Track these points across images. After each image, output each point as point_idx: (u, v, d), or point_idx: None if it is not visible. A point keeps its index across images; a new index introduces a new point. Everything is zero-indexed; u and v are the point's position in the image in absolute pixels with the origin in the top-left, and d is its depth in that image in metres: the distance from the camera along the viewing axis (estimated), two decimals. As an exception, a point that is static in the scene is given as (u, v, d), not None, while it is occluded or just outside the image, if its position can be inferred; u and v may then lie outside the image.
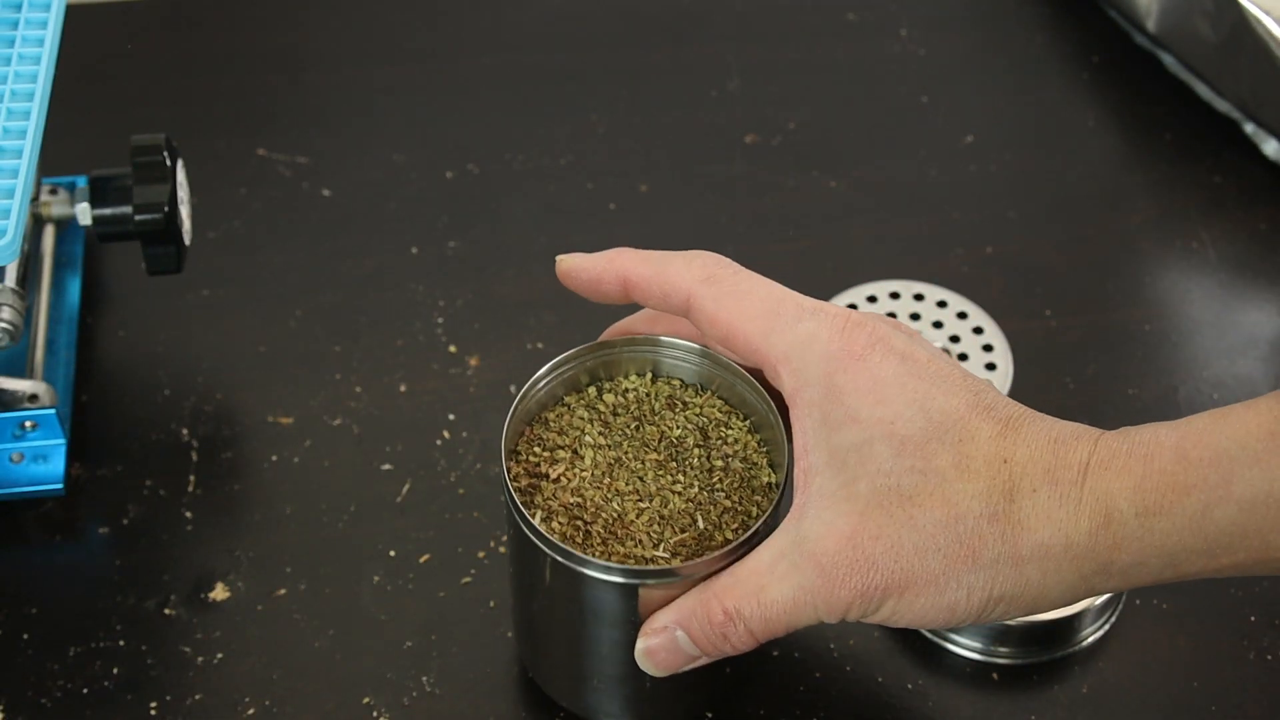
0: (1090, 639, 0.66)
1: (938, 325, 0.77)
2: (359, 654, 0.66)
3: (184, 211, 0.71)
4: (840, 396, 0.53)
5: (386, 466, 0.72)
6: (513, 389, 0.74)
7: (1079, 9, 0.92)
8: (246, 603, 0.67)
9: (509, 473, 0.57)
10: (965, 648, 0.65)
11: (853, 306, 0.77)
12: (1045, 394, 0.74)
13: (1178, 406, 0.74)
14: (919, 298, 0.78)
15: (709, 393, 0.60)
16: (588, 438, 0.59)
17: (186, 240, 0.71)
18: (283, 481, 0.71)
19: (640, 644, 0.56)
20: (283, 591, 0.67)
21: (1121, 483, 0.51)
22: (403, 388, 0.74)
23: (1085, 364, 0.76)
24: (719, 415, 0.60)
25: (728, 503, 0.57)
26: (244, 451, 0.72)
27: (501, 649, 0.65)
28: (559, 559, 0.55)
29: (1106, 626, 0.66)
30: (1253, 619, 0.67)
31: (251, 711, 0.64)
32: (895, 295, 0.78)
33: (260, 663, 0.65)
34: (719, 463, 0.58)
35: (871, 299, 0.78)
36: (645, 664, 0.56)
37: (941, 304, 0.77)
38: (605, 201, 0.83)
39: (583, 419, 0.59)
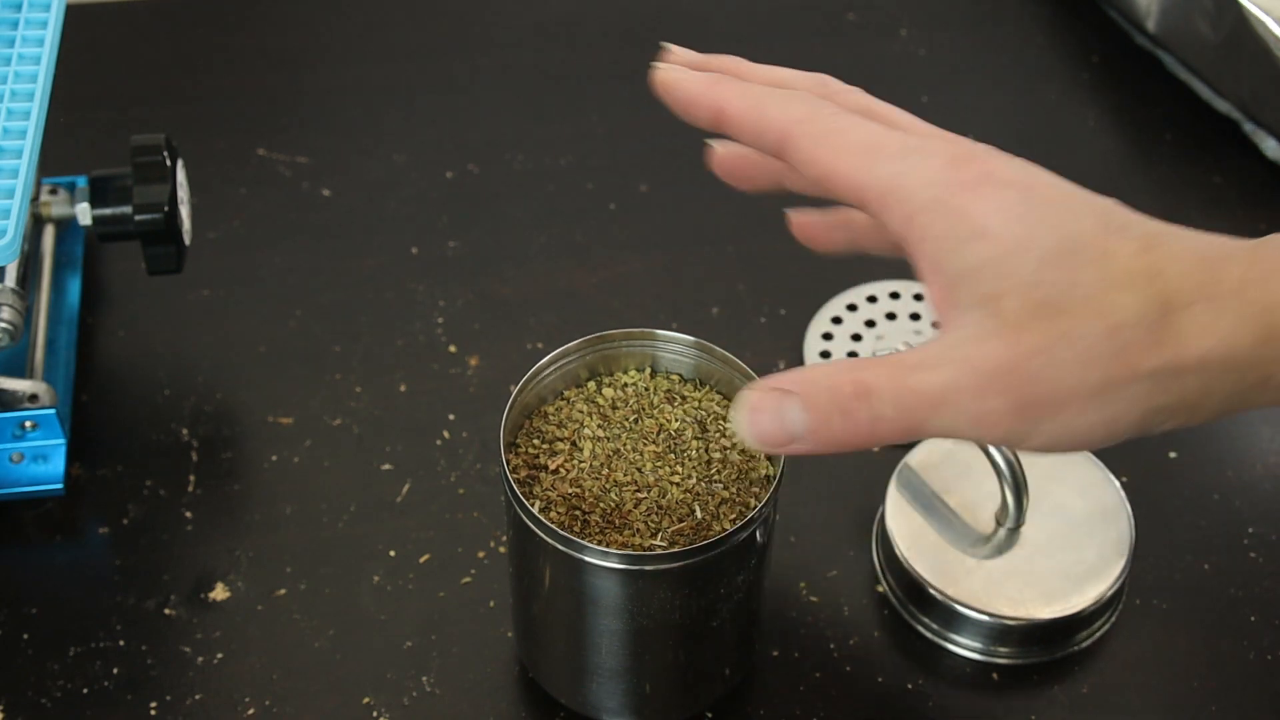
0: (1090, 639, 0.66)
1: (938, 326, 0.76)
2: (359, 654, 0.66)
3: (184, 211, 0.71)
4: (963, 215, 0.51)
5: (386, 466, 0.72)
6: (513, 389, 0.74)
7: (1079, 9, 0.92)
8: (246, 603, 0.67)
9: (508, 464, 0.57)
10: (965, 648, 0.65)
11: (852, 308, 0.77)
12: (1045, 394, 0.74)
13: (1178, 406, 0.74)
14: (918, 298, 0.78)
15: (707, 388, 0.61)
16: (586, 430, 0.59)
17: (186, 240, 0.71)
18: (283, 481, 0.71)
19: (744, 400, 0.51)
20: (283, 591, 0.67)
21: None
22: (403, 388, 0.74)
23: (1085, 364, 0.76)
24: (717, 409, 0.60)
25: (726, 494, 0.58)
26: (244, 451, 0.72)
27: (501, 649, 0.65)
28: (557, 546, 0.55)
29: (1107, 626, 0.66)
30: (1252, 619, 0.67)
31: (251, 711, 0.64)
32: (895, 295, 0.78)
33: (260, 663, 0.65)
34: (717, 454, 0.59)
35: (871, 299, 0.78)
36: (743, 424, 0.51)
37: (941, 304, 0.77)
38: (605, 201, 0.83)
39: (581, 412, 0.60)
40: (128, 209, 0.69)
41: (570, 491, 0.57)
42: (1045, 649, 0.65)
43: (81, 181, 0.71)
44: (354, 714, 0.64)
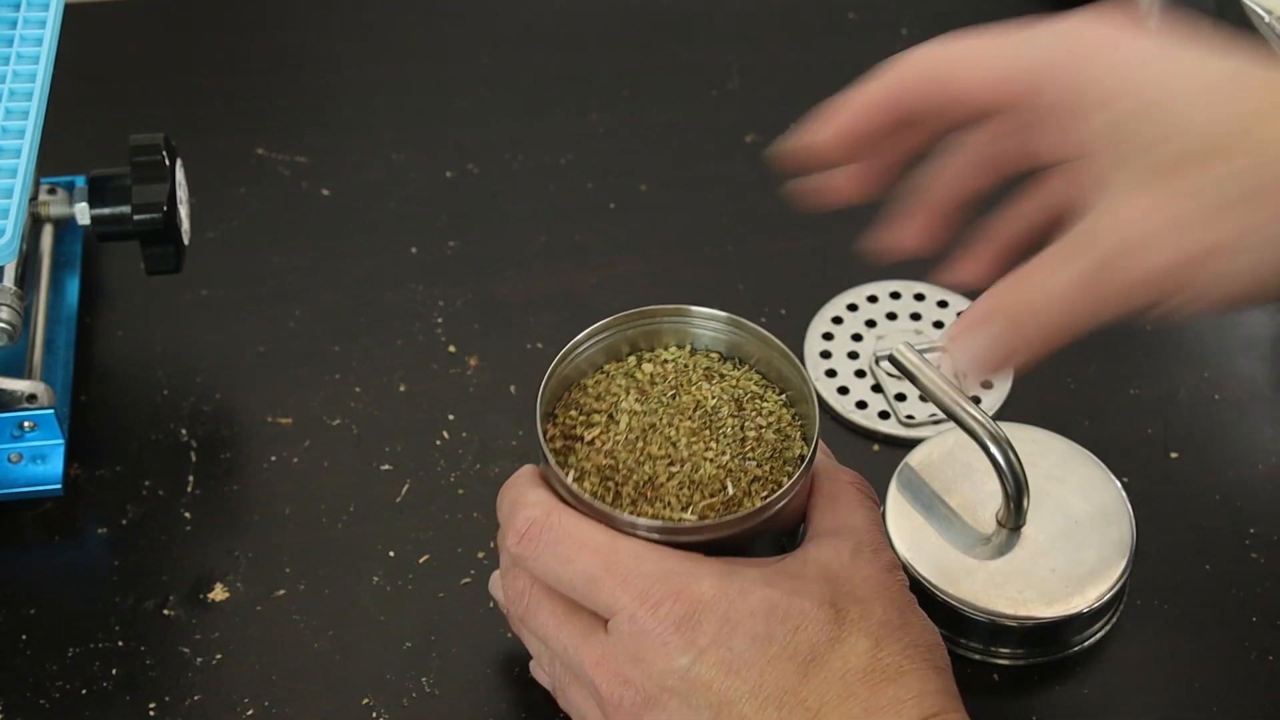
0: (1091, 640, 0.66)
1: (938, 325, 0.76)
2: (358, 655, 0.65)
3: (183, 211, 0.70)
4: (1097, 78, 0.50)
5: (386, 467, 0.71)
6: (513, 389, 0.74)
7: (1079, 9, 0.91)
8: (245, 603, 0.67)
9: (545, 434, 0.58)
10: (966, 648, 0.65)
11: (853, 307, 0.77)
12: (1046, 393, 0.74)
13: (1179, 407, 0.74)
14: (919, 298, 0.77)
15: (746, 367, 0.61)
16: (624, 404, 0.59)
17: (185, 240, 0.71)
18: (282, 482, 0.71)
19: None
20: (282, 592, 0.67)
21: None
22: (402, 388, 0.74)
23: (1086, 363, 0.75)
24: (755, 388, 0.60)
25: (759, 471, 0.58)
26: (243, 452, 0.72)
27: (501, 649, 0.65)
28: (586, 514, 0.56)
29: (1107, 628, 0.66)
30: (1254, 620, 0.67)
31: (250, 712, 0.64)
32: (896, 295, 0.78)
33: (259, 664, 0.65)
34: (752, 433, 0.59)
35: (872, 299, 0.77)
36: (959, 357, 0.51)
37: (942, 304, 0.77)
38: (605, 201, 0.83)
39: (620, 386, 0.60)
40: (126, 209, 0.69)
41: (604, 463, 0.58)
42: (1046, 650, 0.65)
43: (80, 181, 0.71)
44: (353, 715, 0.64)
